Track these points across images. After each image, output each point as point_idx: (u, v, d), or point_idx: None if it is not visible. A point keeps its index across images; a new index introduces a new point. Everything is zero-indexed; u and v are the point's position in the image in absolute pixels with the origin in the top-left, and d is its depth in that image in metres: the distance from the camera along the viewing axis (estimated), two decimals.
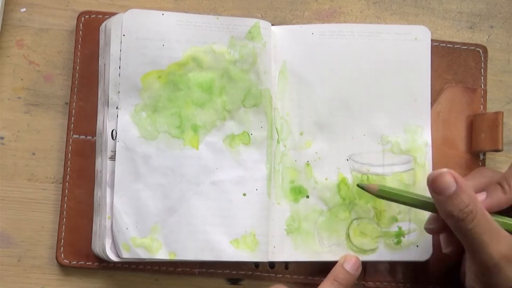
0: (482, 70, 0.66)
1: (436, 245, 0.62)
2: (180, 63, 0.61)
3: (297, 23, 0.66)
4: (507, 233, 0.53)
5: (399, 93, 0.63)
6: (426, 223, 0.58)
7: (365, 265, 0.63)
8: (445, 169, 0.53)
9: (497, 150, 0.63)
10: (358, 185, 0.59)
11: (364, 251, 0.62)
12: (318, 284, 0.60)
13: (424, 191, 0.61)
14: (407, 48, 0.63)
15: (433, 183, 0.53)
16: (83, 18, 0.63)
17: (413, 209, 0.62)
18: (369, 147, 0.63)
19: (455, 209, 0.52)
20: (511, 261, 0.52)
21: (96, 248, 0.60)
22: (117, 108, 0.60)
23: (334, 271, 0.60)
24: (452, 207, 0.52)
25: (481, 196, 0.56)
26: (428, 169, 0.63)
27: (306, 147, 0.63)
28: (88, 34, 0.63)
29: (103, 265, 0.62)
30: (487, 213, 0.53)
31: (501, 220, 0.55)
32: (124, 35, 0.60)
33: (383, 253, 0.62)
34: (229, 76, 0.61)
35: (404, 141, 0.63)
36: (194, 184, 0.60)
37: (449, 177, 0.53)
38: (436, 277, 0.64)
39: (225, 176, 0.61)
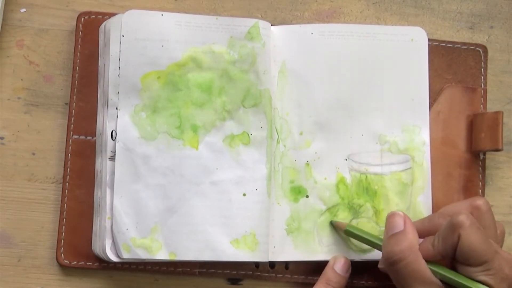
0: (482, 69, 0.66)
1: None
2: (180, 64, 0.61)
3: (297, 23, 0.66)
4: (435, 280, 0.53)
5: (397, 93, 0.63)
6: (379, 263, 0.59)
7: (365, 264, 0.63)
8: (400, 212, 0.56)
9: (497, 150, 0.63)
10: (330, 222, 0.62)
11: (363, 251, 0.62)
12: None
13: (421, 190, 0.62)
14: (404, 48, 0.64)
15: (386, 220, 0.56)
16: (83, 18, 0.63)
17: (411, 208, 0.62)
18: (367, 147, 0.63)
19: (391, 249, 0.54)
20: None
21: (96, 248, 0.60)
22: (116, 108, 0.60)
23: (326, 274, 0.60)
24: (389, 248, 0.55)
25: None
26: (427, 168, 0.63)
27: (305, 147, 0.63)
28: (88, 34, 0.63)
29: (103, 266, 0.62)
30: (420, 259, 0.54)
31: (436, 269, 0.54)
32: (123, 36, 0.60)
33: None
34: (229, 76, 0.61)
35: (402, 141, 0.63)
36: (194, 184, 0.60)
37: (399, 219, 0.56)
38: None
39: (225, 176, 0.61)
